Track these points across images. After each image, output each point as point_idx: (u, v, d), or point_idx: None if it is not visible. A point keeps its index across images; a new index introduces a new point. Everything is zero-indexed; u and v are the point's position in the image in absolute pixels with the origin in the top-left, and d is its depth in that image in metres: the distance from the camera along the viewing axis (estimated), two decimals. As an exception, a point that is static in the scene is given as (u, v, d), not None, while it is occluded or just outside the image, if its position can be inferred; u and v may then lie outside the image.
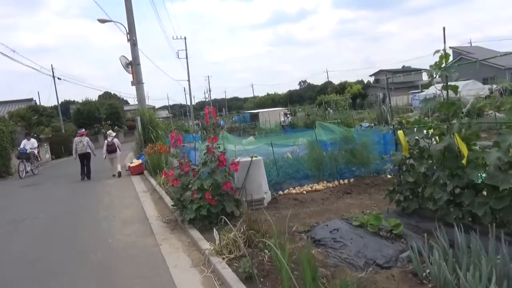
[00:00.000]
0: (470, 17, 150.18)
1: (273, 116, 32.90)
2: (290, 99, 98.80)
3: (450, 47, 47.58)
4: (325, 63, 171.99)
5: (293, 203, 6.66)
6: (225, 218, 4.75)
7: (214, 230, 4.84)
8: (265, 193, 6.79)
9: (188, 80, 47.97)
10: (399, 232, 4.32)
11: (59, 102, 36.50)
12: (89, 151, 13.45)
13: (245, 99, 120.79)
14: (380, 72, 56.10)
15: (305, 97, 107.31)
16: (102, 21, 16.47)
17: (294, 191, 7.09)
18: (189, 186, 6.11)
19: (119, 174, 13.32)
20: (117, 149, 13.44)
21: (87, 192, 11.08)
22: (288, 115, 21.40)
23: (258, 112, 36.35)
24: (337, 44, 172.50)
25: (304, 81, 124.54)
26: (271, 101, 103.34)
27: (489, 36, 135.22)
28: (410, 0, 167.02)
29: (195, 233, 5.51)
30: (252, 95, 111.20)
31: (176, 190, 6.46)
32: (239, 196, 6.28)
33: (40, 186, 13.57)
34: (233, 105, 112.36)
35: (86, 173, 13.60)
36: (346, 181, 7.43)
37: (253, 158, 6.74)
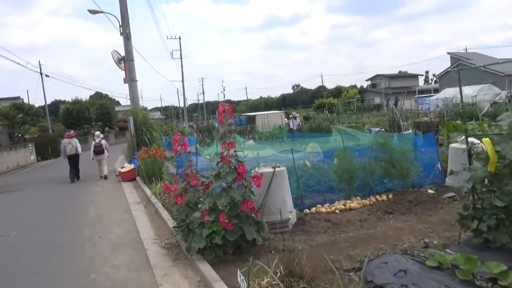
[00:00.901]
0: (460, 26, 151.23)
1: (272, 119, 31.67)
2: (284, 103, 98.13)
3: (448, 53, 46.94)
4: (318, 67, 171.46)
5: (325, 226, 5.32)
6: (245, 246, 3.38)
7: (239, 272, 3.47)
8: (290, 212, 5.45)
9: (182, 81, 46.52)
10: (509, 284, 3.00)
11: (47, 102, 34.75)
12: (78, 152, 13.12)
13: (238, 102, 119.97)
14: (377, 76, 55.32)
15: (298, 100, 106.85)
16: (93, 12, 15.02)
17: (323, 210, 5.76)
18: (198, 205, 4.73)
19: (105, 177, 12.97)
20: (105, 150, 13.00)
21: (71, 201, 9.62)
22: (297, 118, 19.69)
23: (255, 115, 34.97)
24: (330, 49, 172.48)
25: (298, 85, 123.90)
26: (264, 104, 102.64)
27: (479, 44, 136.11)
28: (401, 7, 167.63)
29: (207, 268, 4.14)
30: (245, 98, 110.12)
31: (180, 209, 5.07)
32: (260, 217, 4.92)
33: (17, 194, 12.03)
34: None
35: (75, 174, 13.28)
36: (383, 197, 6.12)
37: (276, 169, 5.40)
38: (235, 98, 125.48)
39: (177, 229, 5.19)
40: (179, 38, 45.76)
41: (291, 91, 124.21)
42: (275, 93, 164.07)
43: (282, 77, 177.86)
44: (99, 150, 12.86)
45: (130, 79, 15.24)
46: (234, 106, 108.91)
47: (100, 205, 8.78)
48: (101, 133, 14.64)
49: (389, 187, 6.66)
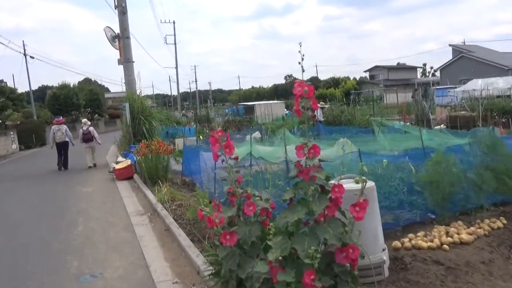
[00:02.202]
0: (451, 20, 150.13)
1: (275, 109, 29.90)
2: (276, 93, 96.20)
3: (449, 45, 45.45)
4: (310, 58, 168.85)
5: (437, 272, 3.49)
6: None
7: None
8: (383, 250, 3.60)
9: (176, 68, 44.14)
10: None
11: (33, 88, 32.15)
12: (68, 140, 12.55)
13: (230, 92, 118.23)
14: (375, 68, 53.62)
15: (291, 91, 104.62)
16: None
17: (424, 243, 3.91)
18: (258, 249, 2.84)
19: (95, 165, 12.72)
20: (93, 138, 12.51)
21: (54, 208, 7.62)
22: (326, 108, 16.84)
23: (254, 105, 33.00)
24: (322, 40, 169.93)
25: (290, 75, 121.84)
26: (256, 94, 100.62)
27: (470, 39, 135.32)
28: (394, 0, 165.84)
29: None
30: (237, 88, 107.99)
31: (225, 250, 3.15)
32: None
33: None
34: (217, 97, 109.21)
35: (63, 163, 12.70)
36: (498, 222, 4.30)
37: (362, 184, 3.52)
38: (226, 87, 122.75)
39: (215, 278, 3.30)
40: (173, 23, 43.33)
41: (283, 81, 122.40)
42: (267, 83, 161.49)
43: (274, 67, 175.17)
44: (87, 138, 12.38)
45: (126, 60, 13.13)
46: (225, 95, 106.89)
47: (92, 215, 6.81)
48: (89, 120, 14.48)
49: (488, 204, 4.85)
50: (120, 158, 11.96)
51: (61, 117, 13.69)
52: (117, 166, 10.13)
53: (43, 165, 15.11)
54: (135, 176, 9.93)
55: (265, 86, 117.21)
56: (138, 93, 12.62)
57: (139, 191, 8.44)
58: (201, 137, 14.50)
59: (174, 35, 43.22)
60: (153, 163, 8.48)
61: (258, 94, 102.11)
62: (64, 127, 12.68)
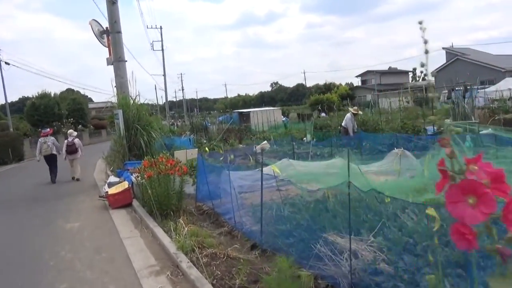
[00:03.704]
0: (430, 27, 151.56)
1: (272, 116, 27.92)
2: (262, 101, 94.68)
3: (443, 48, 44.42)
4: (294, 66, 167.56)
5: None
6: None
7: None
8: None
9: (164, 74, 41.56)
10: None
11: (12, 99, 29.19)
12: (55, 152, 12.00)
13: (215, 100, 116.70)
14: (368, 73, 52.23)
15: (277, 98, 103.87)
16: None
17: None
18: None
19: (77, 179, 12.06)
20: (78, 150, 12.02)
21: (20, 261, 5.20)
22: (359, 114, 12.97)
23: (249, 112, 30.87)
24: (305, 47, 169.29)
25: (276, 83, 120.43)
26: (243, 102, 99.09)
27: (456, 44, 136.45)
28: (375, 7, 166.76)
29: None
30: (223, 96, 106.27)
31: None
32: None
33: None
34: (203, 105, 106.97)
35: (51, 176, 12.11)
36: None
37: None
38: (211, 95, 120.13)
39: None
40: (161, 28, 40.88)
41: (269, 88, 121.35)
42: (252, 91, 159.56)
43: (258, 75, 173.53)
44: (71, 150, 11.87)
45: (116, 59, 10.77)
46: (211, 104, 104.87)
47: (80, 277, 4.43)
48: (74, 131, 13.46)
49: None
50: (112, 178, 9.55)
51: (48, 129, 13.40)
52: (111, 191, 7.74)
53: (18, 186, 12.58)
54: (134, 202, 7.59)
55: (251, 93, 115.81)
56: (133, 98, 10.24)
57: (144, 228, 6.07)
58: (207, 149, 12.22)
59: (162, 40, 40.70)
60: (162, 188, 6.16)
61: (245, 101, 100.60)
62: (51, 138, 12.16)
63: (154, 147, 9.60)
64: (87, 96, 62.46)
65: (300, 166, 6.66)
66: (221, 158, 9.50)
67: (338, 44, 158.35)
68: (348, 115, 11.72)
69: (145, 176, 6.20)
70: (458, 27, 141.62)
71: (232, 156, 9.25)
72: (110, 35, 10.84)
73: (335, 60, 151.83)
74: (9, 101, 28.57)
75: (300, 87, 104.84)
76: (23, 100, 58.23)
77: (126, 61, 11.06)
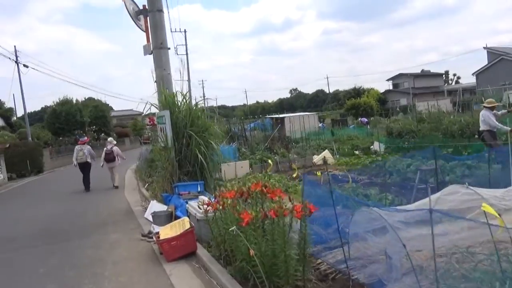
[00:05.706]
0: (450, 31, 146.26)
1: (307, 122, 25.54)
2: (281, 107, 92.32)
3: (484, 48, 40.74)
4: (311, 72, 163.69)
5: None
6: None
7: None
8: None
9: (188, 80, 38.98)
10: None
11: (34, 109, 27.11)
12: (89, 160, 12.00)
13: (234, 107, 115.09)
14: (400, 76, 48.80)
15: (296, 105, 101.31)
16: None
17: None
18: None
19: (116, 187, 11.88)
20: (116, 158, 12.04)
21: None
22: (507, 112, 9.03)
23: (284, 117, 28.03)
24: (322, 54, 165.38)
25: (295, 89, 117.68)
26: (262, 109, 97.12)
27: (469, 49, 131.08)
28: (393, 12, 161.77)
29: None
30: (240, 103, 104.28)
31: None
32: None
33: None
34: (221, 113, 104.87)
35: (85, 184, 12.02)
36: None
37: None
38: (229, 103, 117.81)
39: None
40: (185, 31, 38.58)
41: (288, 95, 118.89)
42: (271, 98, 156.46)
43: (275, 82, 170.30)
44: (109, 158, 12.00)
45: (157, 45, 8.07)
46: (229, 111, 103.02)
47: None
48: (113, 139, 13.36)
49: None
50: (156, 205, 6.76)
51: (85, 137, 13.67)
52: (164, 232, 4.90)
53: (30, 210, 9.77)
54: (200, 251, 4.75)
55: (269, 100, 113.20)
56: (183, 95, 7.44)
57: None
58: (270, 162, 9.34)
59: (186, 44, 38.36)
60: (272, 243, 3.30)
61: (264, 108, 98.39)
62: (87, 147, 12.24)
63: (214, 162, 6.79)
64: (108, 104, 60.79)
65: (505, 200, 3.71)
66: (347, 186, 6.47)
67: (356, 50, 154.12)
68: (485, 112, 8.22)
69: (242, 220, 3.34)
70: (477, 30, 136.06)
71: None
72: (149, 14, 8.16)
73: (353, 66, 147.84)
74: (31, 110, 26.50)
75: (319, 93, 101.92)
76: (45, 109, 56.83)
77: (169, 48, 8.36)
